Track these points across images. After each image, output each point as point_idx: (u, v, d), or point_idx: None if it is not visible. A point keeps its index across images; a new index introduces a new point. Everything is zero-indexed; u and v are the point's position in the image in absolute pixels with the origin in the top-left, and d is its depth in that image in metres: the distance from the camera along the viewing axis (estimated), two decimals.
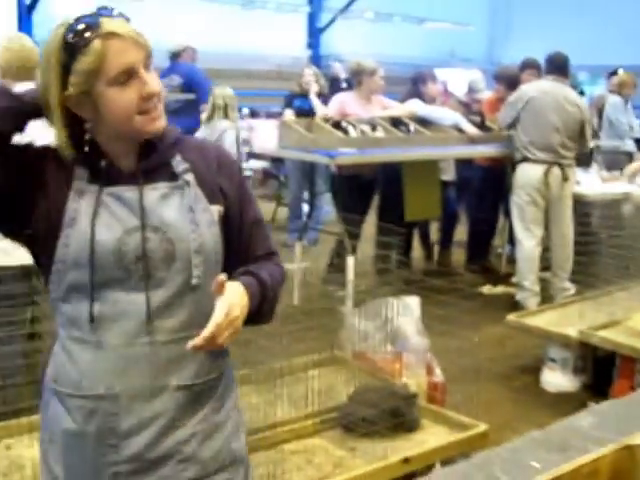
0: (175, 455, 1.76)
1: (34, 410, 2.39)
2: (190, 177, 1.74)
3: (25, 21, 15.95)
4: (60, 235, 1.67)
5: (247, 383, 3.74)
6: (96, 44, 1.57)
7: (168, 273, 1.70)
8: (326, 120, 6.17)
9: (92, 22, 1.59)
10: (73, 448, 1.76)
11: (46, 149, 1.71)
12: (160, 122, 1.68)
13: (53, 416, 1.80)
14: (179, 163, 1.75)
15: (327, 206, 8.31)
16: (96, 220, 1.66)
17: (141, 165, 1.72)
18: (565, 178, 5.98)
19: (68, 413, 1.76)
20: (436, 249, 7.63)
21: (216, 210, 1.76)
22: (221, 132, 6.81)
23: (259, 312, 1.77)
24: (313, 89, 7.80)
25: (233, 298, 1.65)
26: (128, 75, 1.60)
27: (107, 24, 1.58)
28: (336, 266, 6.29)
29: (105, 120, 1.65)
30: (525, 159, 6.02)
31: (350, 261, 5.54)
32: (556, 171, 5.94)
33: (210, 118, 6.86)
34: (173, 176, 1.74)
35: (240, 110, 11.19)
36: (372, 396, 3.69)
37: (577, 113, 6.03)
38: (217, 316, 1.61)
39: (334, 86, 8.82)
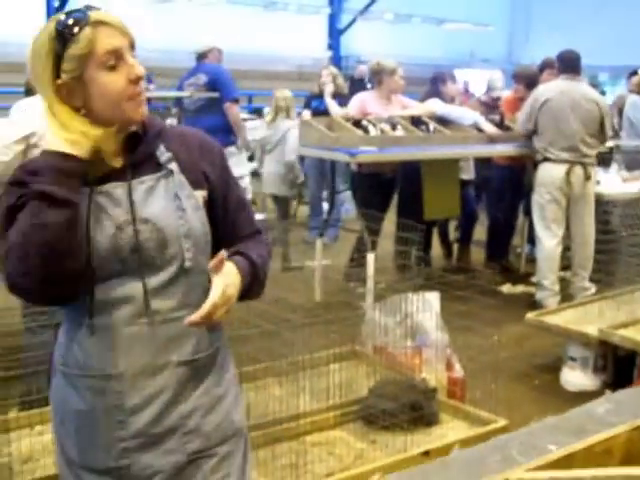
0: (179, 428, 1.84)
1: None
2: (174, 166, 1.82)
3: None
4: None
5: (270, 375, 3.81)
6: (87, 31, 1.67)
7: (162, 259, 1.78)
8: (347, 119, 6.22)
9: (81, 13, 1.70)
10: (84, 427, 1.83)
11: None
12: (144, 108, 1.76)
13: (63, 398, 1.87)
14: (163, 153, 1.83)
15: (347, 204, 8.39)
16: (90, 223, 1.73)
17: (129, 160, 1.79)
18: (587, 177, 5.97)
19: (77, 394, 1.83)
20: (455, 248, 7.67)
21: (200, 195, 1.84)
22: (284, 132, 7.34)
23: (249, 290, 1.86)
24: (328, 90, 7.86)
25: (228, 278, 1.75)
26: (116, 58, 1.69)
27: (95, 14, 1.69)
28: (356, 262, 6.34)
29: (96, 106, 1.71)
30: (546, 159, 6.02)
31: (370, 257, 5.59)
32: (578, 170, 5.93)
33: (273, 120, 7.50)
34: (158, 166, 1.81)
35: (261, 110, 11.29)
36: (392, 390, 3.74)
37: (595, 110, 6.00)
38: (214, 295, 1.71)
39: (358, 86, 8.85)
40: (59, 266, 1.65)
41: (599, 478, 1.10)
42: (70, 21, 1.68)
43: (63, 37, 1.67)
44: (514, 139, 6.75)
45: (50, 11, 16.69)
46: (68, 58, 1.67)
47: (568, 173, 5.92)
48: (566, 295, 6.13)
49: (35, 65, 1.72)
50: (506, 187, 7.25)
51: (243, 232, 1.95)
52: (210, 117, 6.73)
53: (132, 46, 1.73)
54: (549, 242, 6.03)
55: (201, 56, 7.50)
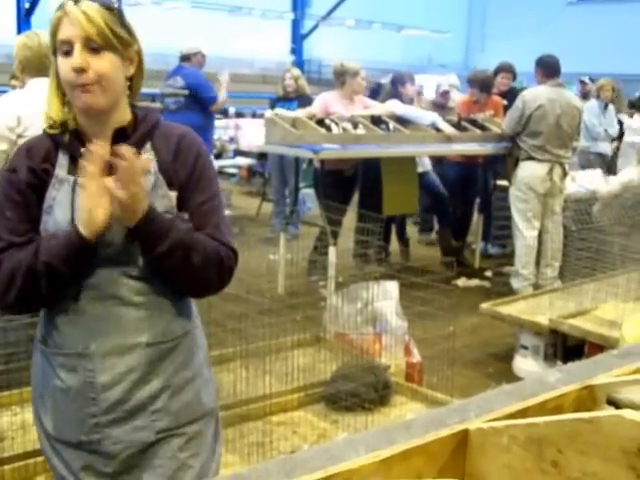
0: (148, 407, 1.91)
1: None
2: (153, 165, 1.87)
3: (24, 24, 16.19)
4: (40, 219, 1.87)
5: (238, 358, 3.93)
6: (57, 15, 1.80)
7: (130, 253, 1.85)
8: (310, 117, 6.38)
9: (64, 1, 1.82)
10: (59, 403, 1.93)
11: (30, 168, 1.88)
12: (83, 99, 1.79)
13: (42, 374, 1.97)
14: (147, 151, 1.89)
15: (309, 202, 8.56)
16: (74, 213, 1.83)
17: (112, 156, 1.81)
18: (564, 174, 6.42)
19: (53, 371, 1.92)
20: (412, 244, 7.87)
21: (174, 195, 1.89)
22: None
23: (170, 254, 1.83)
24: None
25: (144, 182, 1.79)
26: (67, 48, 1.78)
27: (70, 4, 1.81)
28: (319, 252, 6.49)
29: (62, 85, 1.85)
30: (530, 158, 6.34)
31: (332, 249, 5.78)
32: (558, 168, 6.34)
33: None
34: None
35: (226, 111, 11.45)
36: (353, 373, 3.91)
37: (577, 115, 6.46)
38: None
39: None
40: (42, 296, 1.86)
41: (551, 423, 1.17)
42: (58, 4, 1.82)
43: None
44: (470, 139, 7.01)
45: (20, 13, 16.68)
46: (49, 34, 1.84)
47: (550, 171, 6.26)
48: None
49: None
50: (459, 183, 7.60)
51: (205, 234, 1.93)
52: (188, 116, 7.18)
53: (89, 38, 1.78)
54: (530, 233, 6.34)
55: (184, 58, 7.76)
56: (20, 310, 1.94)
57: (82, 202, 1.78)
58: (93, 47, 1.78)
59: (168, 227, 1.83)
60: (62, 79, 1.81)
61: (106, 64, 1.80)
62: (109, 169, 1.79)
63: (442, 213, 7.73)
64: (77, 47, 1.77)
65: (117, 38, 1.81)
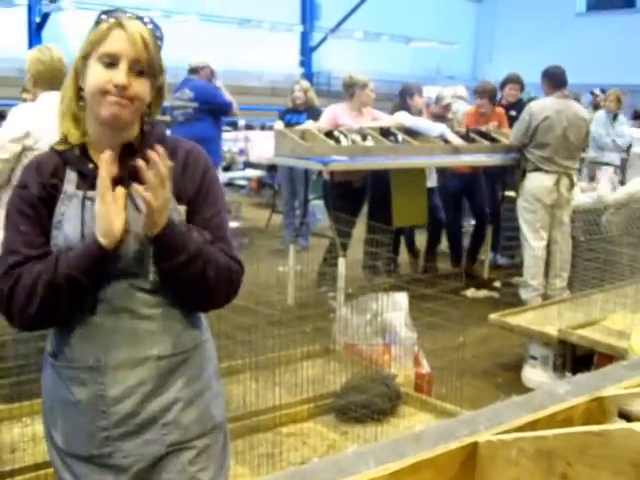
0: (159, 420, 1.91)
1: None
2: None
3: (35, 38, 16.37)
4: (50, 234, 1.88)
5: (247, 370, 3.93)
6: (104, 26, 1.83)
7: (142, 266, 1.86)
8: (319, 130, 6.39)
9: (116, 12, 1.86)
10: (69, 416, 1.93)
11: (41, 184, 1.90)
12: (112, 109, 1.81)
13: (52, 387, 1.97)
14: None
15: (319, 214, 8.58)
16: (84, 228, 1.85)
17: (121, 169, 1.87)
18: (572, 185, 6.41)
19: (63, 384, 1.92)
20: (422, 255, 7.88)
21: (184, 209, 1.91)
22: None
23: (188, 265, 1.84)
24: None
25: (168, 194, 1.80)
26: (111, 60, 1.81)
27: (123, 18, 1.85)
28: (328, 263, 6.51)
29: (86, 90, 1.86)
30: (537, 169, 6.35)
31: (341, 261, 5.78)
32: (565, 179, 6.34)
33: None
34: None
35: (235, 123, 11.53)
36: (363, 384, 3.91)
37: (584, 127, 6.47)
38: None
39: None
40: (62, 309, 1.87)
41: (560, 435, 1.17)
42: (105, 15, 1.85)
43: (95, 23, 1.85)
44: (479, 150, 7.03)
45: (32, 27, 16.85)
46: (87, 39, 1.85)
47: (557, 182, 6.26)
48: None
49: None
50: (461, 195, 7.69)
51: None
52: (196, 127, 7.27)
53: (137, 61, 1.82)
54: (538, 244, 6.33)
55: (193, 70, 7.82)
56: (40, 324, 1.93)
57: (100, 212, 1.79)
58: (138, 69, 1.83)
59: (187, 238, 1.85)
60: (93, 85, 1.83)
61: (144, 89, 1.85)
62: (121, 181, 1.83)
63: (434, 237, 7.78)
64: (124, 65, 1.81)
65: (157, 67, 1.87)
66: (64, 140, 1.91)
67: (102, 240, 1.79)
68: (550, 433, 1.20)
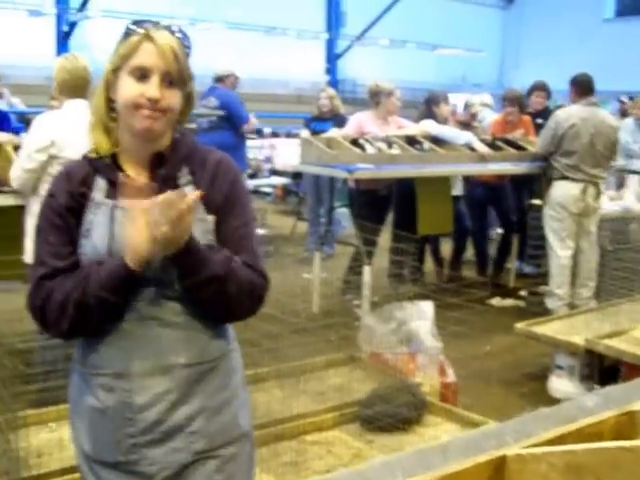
0: (185, 428, 1.91)
1: None
2: (190, 189, 1.89)
3: (62, 46, 16.59)
4: (78, 243, 1.90)
5: (272, 378, 3.95)
6: (134, 39, 1.85)
7: (167, 275, 1.86)
8: (345, 137, 6.40)
9: (146, 24, 1.88)
10: (96, 423, 1.93)
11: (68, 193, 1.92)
12: (146, 123, 1.84)
13: (79, 394, 1.98)
14: (184, 175, 1.93)
15: (344, 221, 8.58)
16: (113, 238, 1.87)
17: (151, 179, 1.90)
18: (598, 194, 6.35)
19: (90, 391, 1.93)
20: (447, 263, 7.86)
21: (212, 219, 1.91)
22: None
23: (204, 286, 1.85)
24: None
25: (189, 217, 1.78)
26: (142, 73, 1.83)
27: (153, 30, 1.87)
28: (353, 271, 6.51)
29: (119, 103, 1.89)
30: (564, 177, 6.30)
31: (366, 269, 5.78)
32: (592, 188, 6.28)
33: None
34: (177, 187, 1.88)
35: (261, 131, 11.58)
36: (389, 393, 3.89)
37: (612, 134, 6.39)
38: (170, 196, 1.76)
39: None
40: (94, 325, 1.89)
41: (591, 450, 1.15)
42: (134, 25, 1.87)
43: (124, 35, 1.88)
44: (504, 158, 7.00)
45: (59, 36, 17.05)
46: (117, 52, 1.88)
47: (584, 191, 6.21)
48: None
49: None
50: (486, 203, 7.65)
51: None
52: (220, 135, 7.46)
53: (169, 73, 1.84)
54: (564, 253, 6.28)
55: (218, 79, 7.91)
56: (73, 336, 1.97)
57: (129, 236, 1.81)
58: (169, 81, 1.85)
59: (205, 260, 1.84)
60: (125, 99, 1.85)
61: (175, 99, 1.88)
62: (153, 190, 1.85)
63: (459, 246, 7.77)
64: (156, 78, 1.84)
65: (187, 75, 1.90)
66: (95, 150, 1.93)
67: (130, 263, 1.81)
68: (580, 447, 1.18)
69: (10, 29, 16.26)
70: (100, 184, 1.91)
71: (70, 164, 1.99)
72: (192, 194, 1.80)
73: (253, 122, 7.93)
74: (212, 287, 1.85)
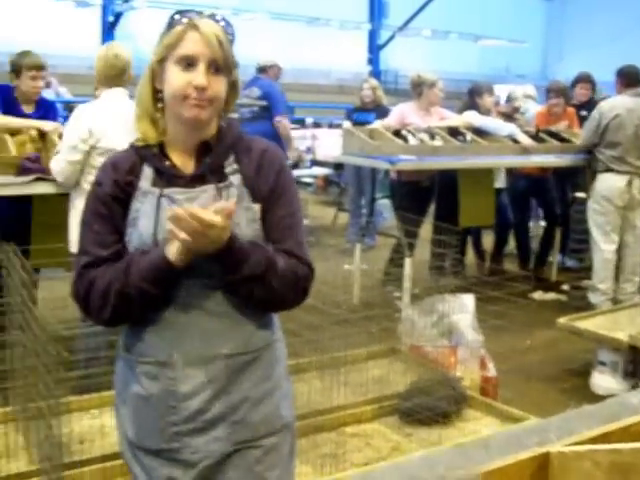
0: (227, 418, 1.91)
1: None
2: (236, 178, 1.91)
3: (107, 36, 16.86)
4: (125, 231, 1.92)
5: (313, 369, 3.97)
6: (179, 28, 1.86)
7: (212, 267, 1.85)
8: (387, 128, 6.38)
9: (189, 13, 1.89)
10: (140, 410, 1.95)
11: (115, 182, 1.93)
12: (196, 112, 1.85)
13: (124, 381, 1.99)
14: (230, 164, 1.93)
15: (385, 213, 8.56)
16: (158, 226, 1.87)
17: (197, 170, 1.91)
18: None
19: (135, 378, 1.94)
20: (489, 256, 7.80)
21: (258, 208, 1.91)
22: None
23: (245, 282, 1.85)
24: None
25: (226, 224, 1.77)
26: (189, 62, 1.84)
27: (197, 19, 1.87)
28: (394, 264, 6.50)
29: (166, 93, 1.90)
30: (608, 170, 6.21)
31: (407, 261, 5.76)
32: (637, 180, 6.18)
33: None
34: (224, 176, 1.91)
35: (303, 121, 11.60)
36: (429, 386, 3.88)
37: None
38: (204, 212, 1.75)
39: None
40: (134, 315, 1.93)
41: (638, 449, 1.13)
42: (178, 15, 1.88)
43: (168, 25, 1.89)
44: (548, 150, 6.92)
45: (105, 27, 17.29)
46: (161, 43, 1.89)
47: (629, 183, 6.13)
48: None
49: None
50: (529, 196, 7.58)
51: (281, 247, 1.94)
52: (262, 124, 7.48)
53: (214, 61, 1.85)
54: (608, 247, 6.19)
55: (261, 69, 7.96)
56: (116, 324, 1.99)
57: (168, 236, 1.82)
58: (215, 68, 1.86)
59: (246, 258, 1.84)
60: (173, 88, 1.86)
61: (222, 87, 1.89)
62: (200, 178, 1.89)
63: (501, 238, 7.71)
64: (202, 66, 1.84)
65: (232, 63, 1.90)
66: (142, 139, 1.94)
67: (171, 258, 1.82)
68: (627, 447, 1.16)
69: (58, 20, 16.52)
70: (147, 173, 1.92)
71: (116, 154, 2.01)
72: (227, 203, 1.80)
73: (284, 124, 7.89)
74: (253, 283, 1.86)
